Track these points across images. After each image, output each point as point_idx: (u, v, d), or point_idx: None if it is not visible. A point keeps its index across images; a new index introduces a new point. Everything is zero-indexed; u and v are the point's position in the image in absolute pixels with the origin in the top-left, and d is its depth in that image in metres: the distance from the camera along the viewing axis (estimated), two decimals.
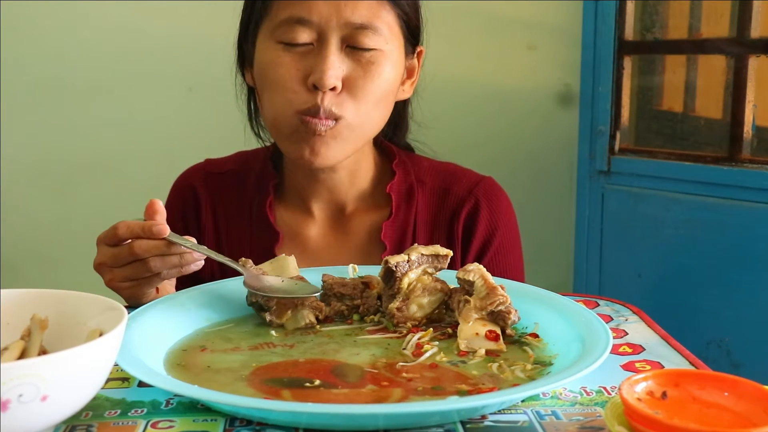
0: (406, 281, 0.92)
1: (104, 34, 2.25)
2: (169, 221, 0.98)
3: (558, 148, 2.29)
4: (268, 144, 1.25)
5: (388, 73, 1.09)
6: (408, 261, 0.93)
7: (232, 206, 1.23)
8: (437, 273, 0.94)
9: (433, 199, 1.21)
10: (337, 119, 1.06)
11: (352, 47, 1.07)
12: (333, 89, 1.05)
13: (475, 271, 0.89)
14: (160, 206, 1.00)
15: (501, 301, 0.85)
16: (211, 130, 2.24)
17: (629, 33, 2.02)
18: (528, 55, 2.31)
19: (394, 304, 0.91)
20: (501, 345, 0.84)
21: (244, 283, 0.92)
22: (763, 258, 1.75)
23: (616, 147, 2.03)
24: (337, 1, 1.05)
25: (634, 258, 2.00)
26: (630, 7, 2.01)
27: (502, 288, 0.87)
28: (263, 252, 1.15)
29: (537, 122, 2.33)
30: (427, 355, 0.82)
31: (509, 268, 1.21)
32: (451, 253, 0.94)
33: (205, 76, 2.25)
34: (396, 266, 0.92)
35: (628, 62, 2.03)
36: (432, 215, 1.20)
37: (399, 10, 1.10)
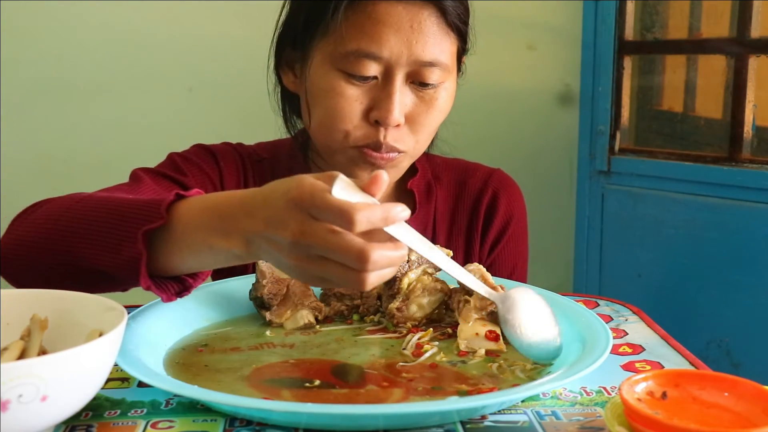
0: (405, 281, 0.92)
1: (104, 34, 2.25)
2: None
3: (558, 148, 2.29)
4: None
5: (446, 103, 1.08)
6: (408, 261, 0.92)
7: None
8: (437, 273, 0.94)
9: (451, 193, 1.22)
10: (397, 152, 1.06)
11: (416, 83, 1.04)
12: (396, 125, 1.04)
13: (475, 271, 0.89)
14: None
15: None
16: (211, 130, 2.23)
17: (629, 33, 2.02)
18: (528, 55, 2.31)
19: (394, 304, 0.91)
20: (501, 345, 0.83)
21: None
22: (763, 258, 1.75)
23: (616, 147, 2.03)
24: (409, 37, 1.01)
25: (634, 258, 2.00)
26: (630, 7, 2.01)
27: (502, 288, 0.87)
28: None
29: (537, 122, 2.33)
30: (427, 355, 0.82)
31: (519, 255, 1.24)
32: (451, 252, 0.94)
33: (205, 76, 2.25)
34: None
35: (628, 62, 2.03)
36: (450, 209, 1.22)
37: (460, 40, 1.09)
